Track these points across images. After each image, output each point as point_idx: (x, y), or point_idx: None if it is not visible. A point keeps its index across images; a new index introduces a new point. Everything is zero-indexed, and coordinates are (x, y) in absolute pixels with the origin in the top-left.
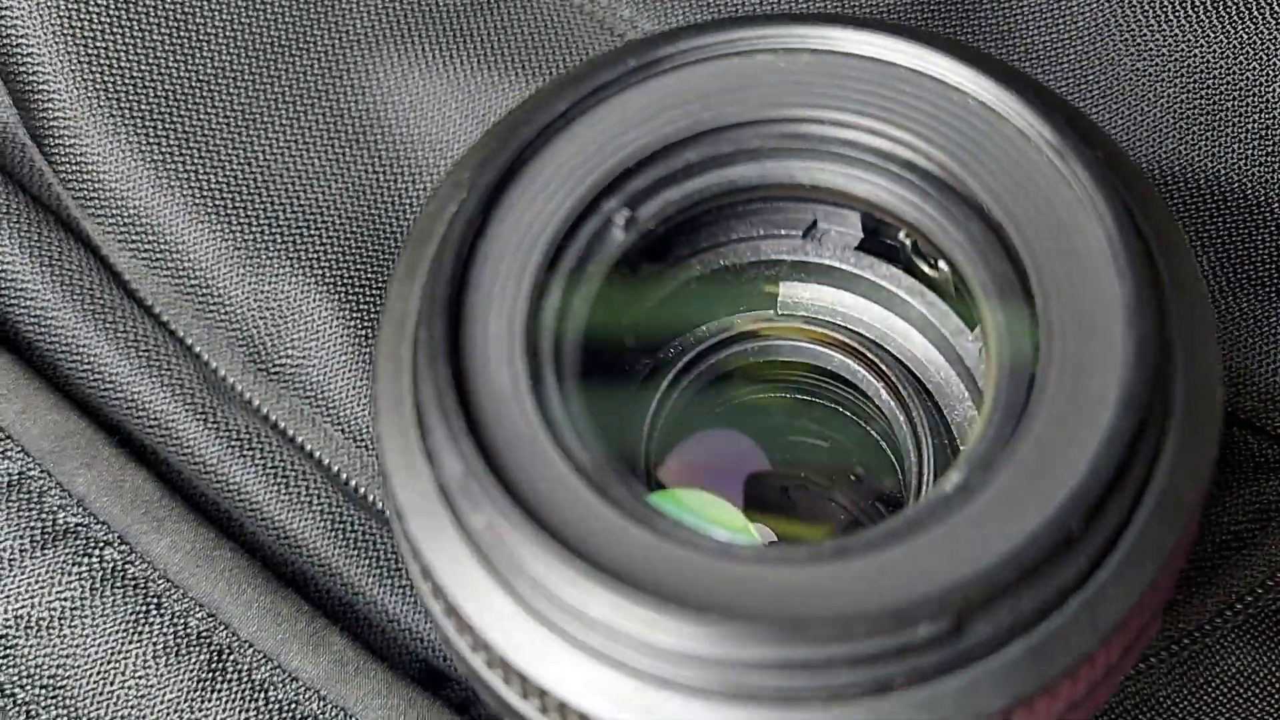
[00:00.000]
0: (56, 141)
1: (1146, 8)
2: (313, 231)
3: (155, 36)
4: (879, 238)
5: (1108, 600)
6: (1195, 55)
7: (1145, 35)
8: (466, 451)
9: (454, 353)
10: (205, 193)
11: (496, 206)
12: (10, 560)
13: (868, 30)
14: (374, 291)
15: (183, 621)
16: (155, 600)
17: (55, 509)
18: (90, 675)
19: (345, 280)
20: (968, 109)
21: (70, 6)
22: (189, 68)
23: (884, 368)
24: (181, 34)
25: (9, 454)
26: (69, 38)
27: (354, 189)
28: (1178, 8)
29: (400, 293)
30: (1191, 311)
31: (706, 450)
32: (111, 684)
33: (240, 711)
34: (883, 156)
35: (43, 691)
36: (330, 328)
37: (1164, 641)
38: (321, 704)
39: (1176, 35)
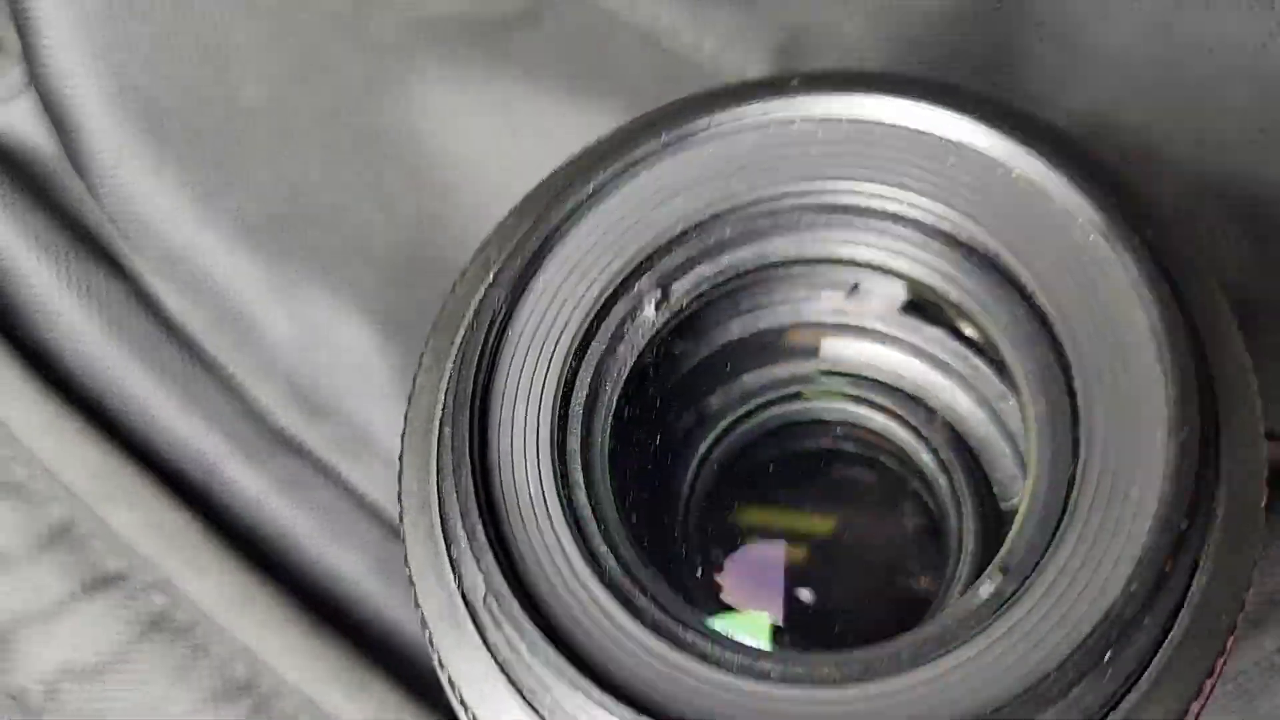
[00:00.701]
0: (99, 176)
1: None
2: (351, 260)
3: (193, 69)
4: (924, 300)
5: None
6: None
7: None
8: (488, 568)
9: (480, 454)
10: (245, 226)
11: (524, 293)
12: (60, 606)
13: (908, 99)
14: (413, 320)
15: (229, 667)
16: (201, 646)
17: (102, 554)
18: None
19: (384, 310)
20: (1012, 185)
21: (108, 39)
22: (226, 99)
23: (924, 427)
24: (218, 66)
25: (57, 498)
26: (108, 73)
27: (392, 214)
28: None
29: (426, 383)
30: (1238, 410)
31: (752, 564)
32: None
33: None
34: (924, 232)
35: None
36: (370, 359)
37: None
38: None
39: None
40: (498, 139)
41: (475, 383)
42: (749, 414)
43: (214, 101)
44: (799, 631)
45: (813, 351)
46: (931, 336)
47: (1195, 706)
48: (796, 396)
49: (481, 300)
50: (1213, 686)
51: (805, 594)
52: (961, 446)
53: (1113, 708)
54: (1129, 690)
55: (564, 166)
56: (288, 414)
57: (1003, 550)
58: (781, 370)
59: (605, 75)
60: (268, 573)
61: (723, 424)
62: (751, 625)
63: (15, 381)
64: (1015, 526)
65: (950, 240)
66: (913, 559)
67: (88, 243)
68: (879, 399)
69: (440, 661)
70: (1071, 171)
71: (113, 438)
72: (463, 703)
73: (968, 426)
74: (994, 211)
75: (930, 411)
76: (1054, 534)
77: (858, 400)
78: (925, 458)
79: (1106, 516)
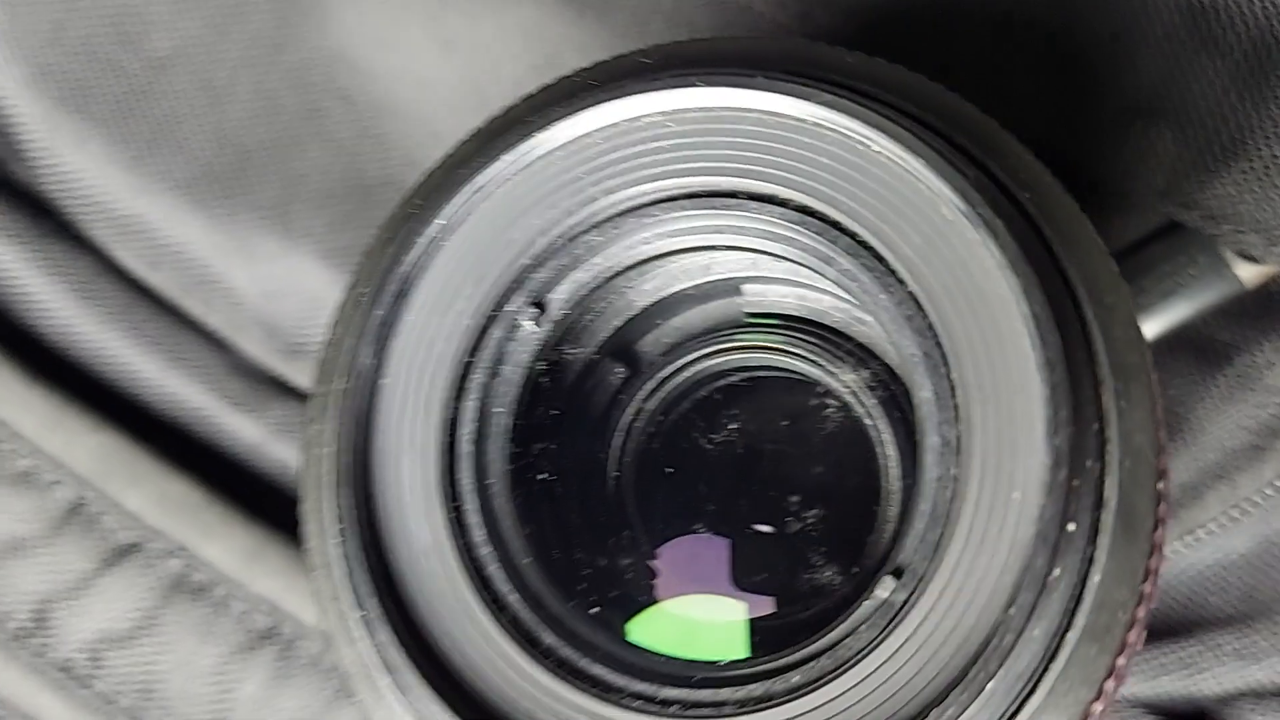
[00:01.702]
0: (35, 160)
1: None
2: (296, 203)
3: (104, 39)
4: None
5: None
6: None
7: None
8: (382, 644)
9: (369, 521)
10: (185, 188)
11: (389, 342)
12: (86, 581)
13: (756, 82)
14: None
15: (250, 619)
16: (222, 603)
17: (114, 529)
18: (177, 677)
19: (341, 248)
20: (875, 164)
21: (13, 26)
22: (142, 62)
23: (844, 367)
24: (128, 31)
25: (64, 482)
26: (18, 59)
27: (331, 142)
28: None
29: (314, 436)
30: (1129, 390)
31: (689, 553)
32: (197, 684)
33: (317, 692)
34: (791, 217)
35: (139, 696)
36: (332, 297)
37: (1225, 509)
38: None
39: None
40: (429, 49)
41: (355, 443)
42: (674, 373)
43: (129, 67)
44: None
45: (735, 294)
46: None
47: (1097, 707)
48: (724, 348)
49: (352, 357)
50: (1116, 687)
51: (726, 529)
52: (886, 386)
53: (1012, 716)
54: (1028, 696)
55: (419, 185)
56: (271, 360)
57: (894, 551)
58: (708, 320)
59: None
60: (275, 525)
61: (645, 390)
62: (679, 623)
63: (20, 390)
64: (907, 524)
65: (819, 221)
66: (836, 504)
67: (45, 220)
68: (806, 340)
69: (365, 716)
70: (930, 148)
71: (107, 416)
72: None
73: (889, 358)
74: (856, 191)
75: (858, 347)
76: (940, 536)
77: (781, 349)
78: (849, 399)
79: (991, 521)
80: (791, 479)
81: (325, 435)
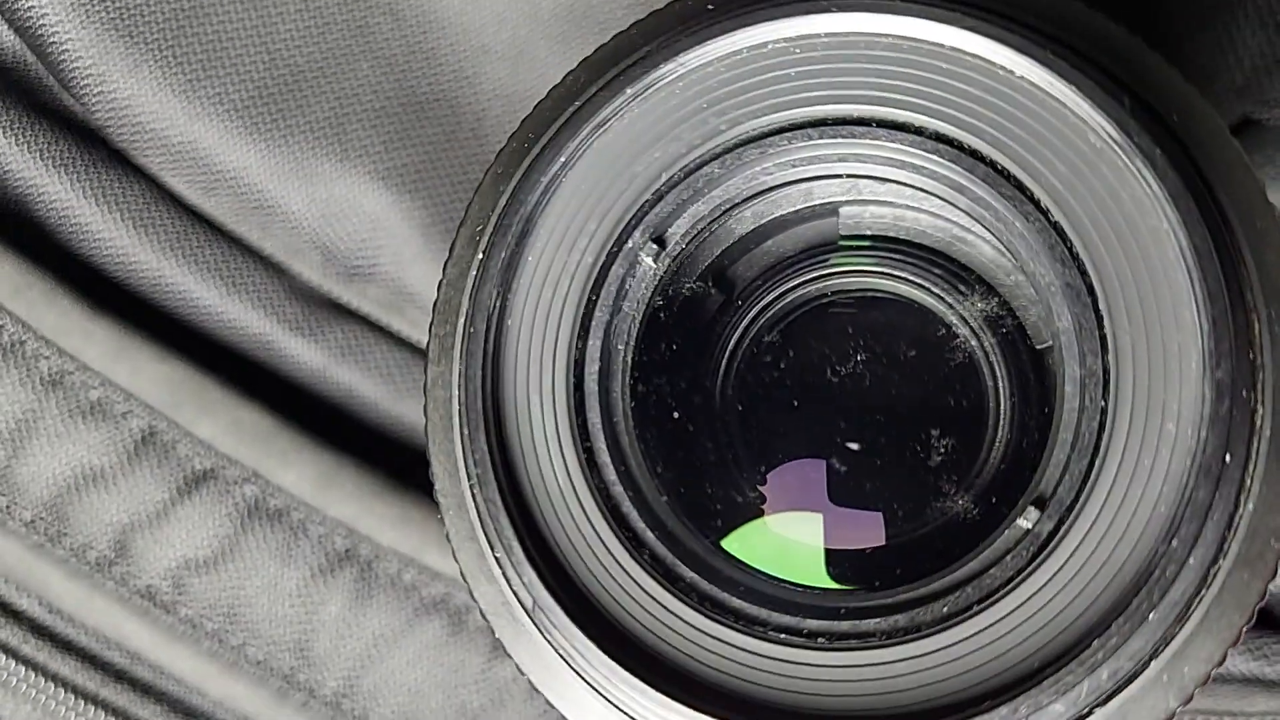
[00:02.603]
0: (84, 89)
1: None
2: (350, 122)
3: None
4: None
5: (1192, 657)
6: None
7: None
8: (530, 581)
9: (503, 460)
10: (239, 111)
11: (514, 281)
12: (164, 510)
13: (891, 6)
14: (424, 171)
15: (328, 542)
16: (299, 527)
17: (189, 456)
18: (260, 601)
19: (395, 167)
20: (1018, 91)
21: None
22: None
23: (950, 291)
24: None
25: (134, 412)
26: None
27: (381, 60)
28: None
29: (438, 377)
30: None
31: (797, 476)
32: (279, 606)
33: (398, 611)
34: (924, 144)
35: (225, 619)
36: (392, 219)
37: None
38: (483, 617)
39: None
40: None
41: (484, 387)
42: (774, 300)
43: None
44: (840, 533)
45: (832, 216)
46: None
47: (1245, 630)
48: (820, 276)
49: (474, 296)
50: (1257, 610)
51: (853, 456)
52: (990, 304)
53: (1164, 645)
54: (1184, 622)
55: (530, 117)
56: (329, 284)
57: (1035, 480)
58: (802, 239)
59: None
60: (345, 448)
61: (748, 317)
62: (797, 550)
63: (83, 321)
64: (1047, 453)
65: (953, 149)
66: (951, 435)
67: (97, 149)
68: (903, 262)
69: (505, 651)
70: (1079, 72)
71: (172, 345)
72: (536, 690)
73: (994, 276)
74: (997, 118)
75: (956, 266)
76: (1089, 467)
77: (882, 271)
78: (955, 321)
79: (1144, 452)
80: (896, 402)
81: (450, 377)
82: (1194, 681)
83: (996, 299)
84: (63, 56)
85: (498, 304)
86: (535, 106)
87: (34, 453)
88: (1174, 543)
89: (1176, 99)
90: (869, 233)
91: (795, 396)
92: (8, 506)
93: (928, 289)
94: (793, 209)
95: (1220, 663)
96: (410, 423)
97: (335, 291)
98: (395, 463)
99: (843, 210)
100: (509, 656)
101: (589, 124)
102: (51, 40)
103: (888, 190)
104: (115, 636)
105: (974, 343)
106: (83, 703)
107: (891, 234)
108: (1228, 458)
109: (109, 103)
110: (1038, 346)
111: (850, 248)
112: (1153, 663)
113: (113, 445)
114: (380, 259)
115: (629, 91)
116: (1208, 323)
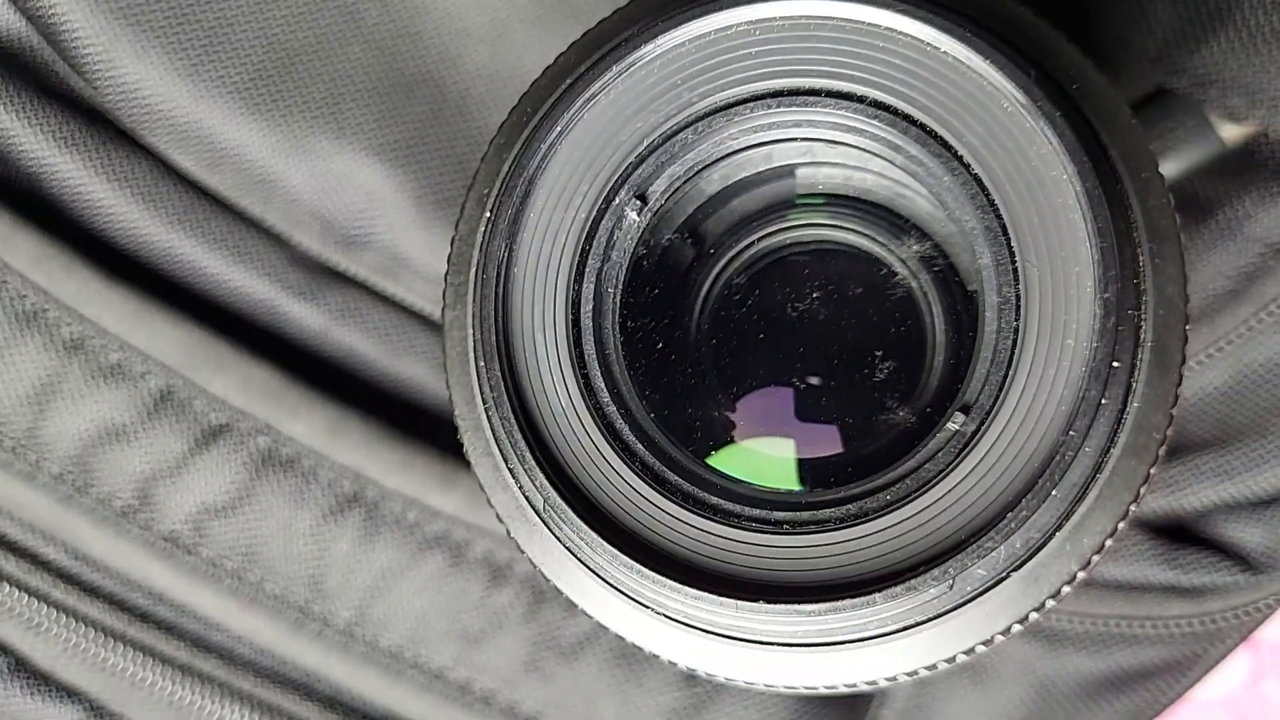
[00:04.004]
0: (94, 73)
1: None
2: (346, 103)
3: None
4: None
5: (1090, 529)
6: None
7: None
8: (541, 484)
9: (514, 385)
10: (240, 92)
11: (518, 233)
12: (183, 461)
13: None
14: (414, 146)
15: (337, 486)
16: (310, 473)
17: (205, 412)
18: (275, 542)
19: (387, 143)
20: (943, 64)
21: None
22: None
23: (892, 240)
24: None
25: (152, 372)
26: None
27: (371, 42)
28: None
29: (454, 319)
30: (1163, 252)
31: (764, 403)
32: (293, 546)
33: (403, 548)
34: (866, 110)
35: (243, 559)
36: (386, 191)
37: (1205, 347)
38: (468, 530)
39: None
40: None
41: (496, 325)
42: (739, 252)
43: None
44: (801, 445)
45: (789, 177)
46: (885, 165)
47: (1133, 508)
48: (779, 229)
49: (484, 248)
50: (1145, 491)
51: (813, 380)
52: (926, 249)
53: (1066, 519)
54: (1081, 500)
55: (527, 94)
56: (328, 252)
57: (961, 391)
58: (763, 198)
59: None
60: (348, 402)
61: (717, 266)
62: (767, 462)
63: (101, 289)
64: (971, 368)
65: (891, 114)
66: (894, 360)
67: (104, 128)
68: (853, 215)
69: (521, 549)
70: (993, 48)
71: (185, 311)
72: (547, 579)
73: (930, 226)
74: (927, 89)
75: (898, 219)
76: (1004, 378)
77: (834, 225)
78: (898, 267)
79: (1048, 363)
80: (847, 335)
81: (465, 319)
82: (1091, 549)
83: (931, 244)
84: (74, 43)
85: (505, 255)
86: (532, 84)
87: (59, 412)
88: (1071, 433)
89: (1075, 71)
90: (822, 190)
91: (761, 331)
92: (37, 461)
93: (873, 238)
94: (755, 170)
95: (1112, 534)
96: (407, 379)
97: (334, 259)
98: (395, 414)
99: (799, 171)
100: (523, 553)
101: (580, 98)
102: (62, 28)
103: (837, 153)
104: (140, 579)
105: (913, 283)
106: (111, 641)
107: (842, 191)
108: (1115, 364)
109: (118, 85)
110: (969, 289)
111: (806, 205)
112: (1056, 535)
113: (133, 403)
114: (375, 228)
115: (614, 69)
116: (1098, 254)
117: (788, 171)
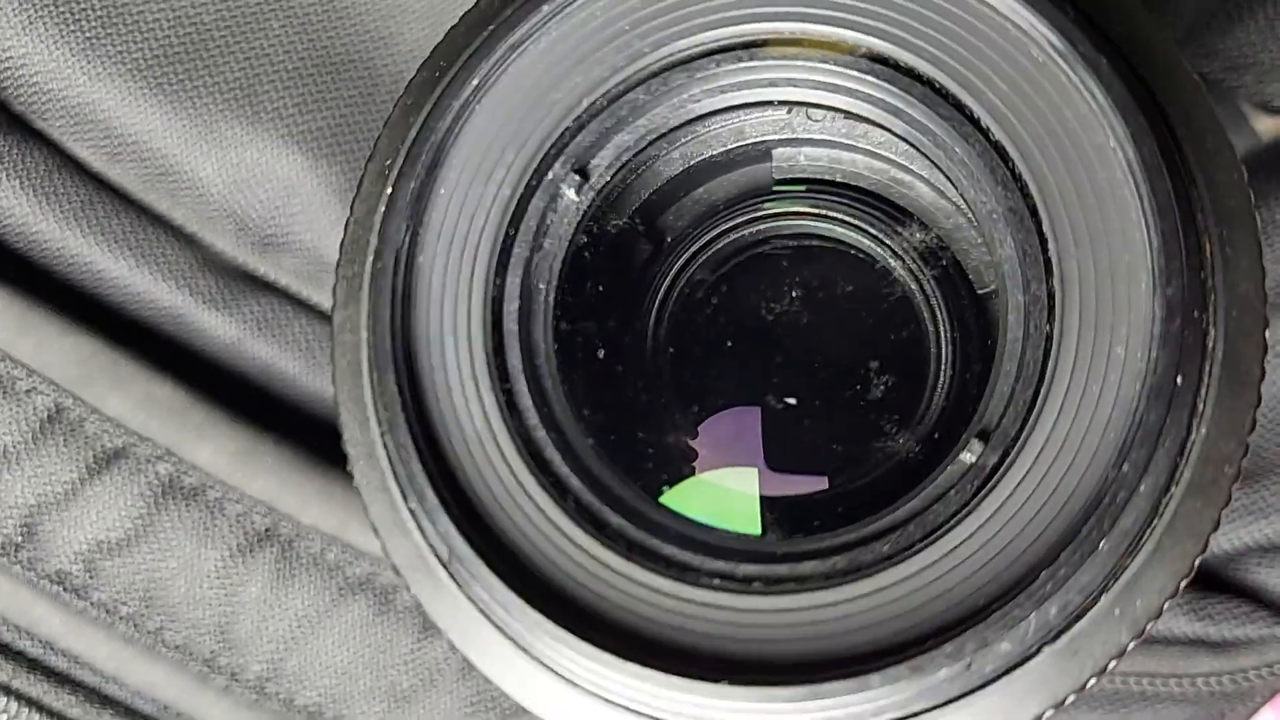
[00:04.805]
0: None
1: None
2: (261, 84)
3: None
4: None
5: (1145, 589)
6: None
7: None
8: (445, 530)
9: (415, 402)
10: (142, 71)
11: (425, 214)
12: (73, 490)
13: None
14: (340, 134)
15: (247, 520)
16: (216, 505)
17: (99, 434)
18: (178, 583)
19: (310, 130)
20: (954, 4)
21: None
22: None
23: (888, 233)
24: None
25: (39, 389)
26: None
27: (294, 20)
28: None
29: (345, 320)
30: (1235, 237)
31: (731, 425)
32: (199, 588)
33: (323, 592)
34: (858, 64)
35: (141, 603)
36: (307, 184)
37: None
38: (397, 573)
39: None
40: None
41: (393, 326)
42: (705, 245)
43: None
44: (777, 478)
45: (764, 160)
46: (883, 140)
47: (1198, 562)
48: (753, 219)
49: (380, 231)
50: (1202, 571)
51: (791, 399)
52: (929, 245)
53: (1115, 578)
54: (1133, 555)
55: (441, 45)
56: (243, 254)
57: (979, 413)
58: (734, 186)
59: None
60: (263, 425)
61: (679, 263)
62: (733, 500)
63: None
64: (990, 385)
65: (888, 69)
66: (891, 375)
67: None
68: (840, 204)
69: (421, 609)
70: None
71: (78, 319)
72: (453, 647)
73: (933, 219)
74: (935, 35)
75: (894, 209)
76: (1035, 396)
77: (818, 214)
78: (894, 264)
79: (1092, 377)
80: (833, 346)
81: (358, 319)
82: (1147, 615)
83: (934, 237)
84: None
85: (408, 238)
86: (447, 33)
87: None
88: (1125, 468)
89: (1121, 13)
90: (803, 175)
91: (729, 339)
92: None
93: (865, 230)
94: (723, 149)
95: (1175, 594)
96: (331, 399)
97: (250, 263)
98: (316, 439)
99: (776, 153)
100: (425, 614)
101: (503, 44)
102: None
103: (822, 127)
104: (26, 624)
105: (913, 285)
106: None
107: (827, 177)
108: (1179, 379)
109: (3, 62)
110: (979, 291)
111: (784, 194)
112: (1103, 596)
113: (16, 424)
114: (295, 227)
115: (546, 9)
116: (1157, 239)
117: (762, 152)
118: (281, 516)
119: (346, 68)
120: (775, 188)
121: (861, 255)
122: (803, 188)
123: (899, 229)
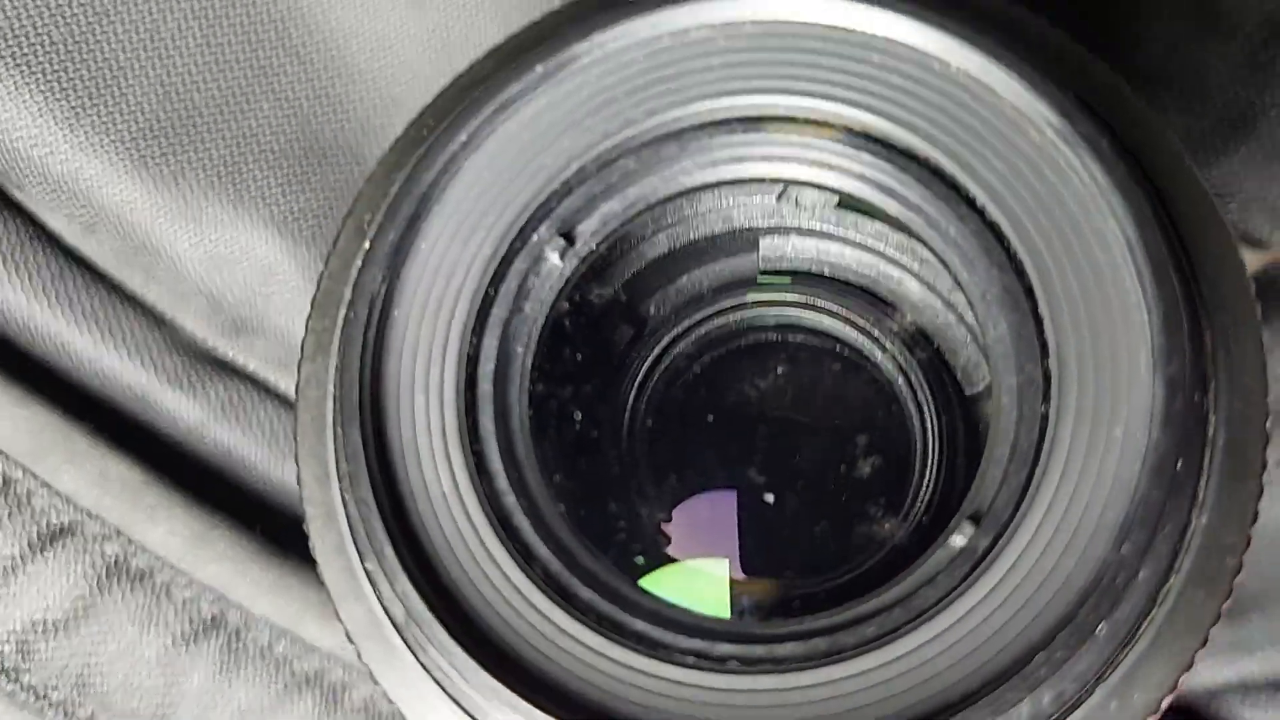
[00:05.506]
0: None
1: None
2: (246, 163)
3: None
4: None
5: (1143, 682)
6: None
7: None
8: (404, 592)
9: (380, 459)
10: (127, 145)
11: (404, 267)
12: (14, 566)
13: None
14: (323, 217)
15: (194, 607)
16: (164, 589)
17: (46, 509)
18: (116, 669)
19: (291, 213)
20: (952, 83)
21: None
22: (85, 8)
23: (875, 325)
24: None
25: None
26: None
27: (284, 103)
28: None
29: (312, 374)
30: (1235, 323)
31: (702, 511)
32: (137, 675)
33: (268, 685)
34: (852, 140)
35: (74, 689)
36: (285, 267)
37: None
38: (346, 671)
39: None
40: (393, 4)
41: (362, 378)
42: (687, 330)
43: (72, 13)
44: (756, 565)
45: (751, 250)
46: (873, 232)
47: (1198, 657)
48: (737, 306)
49: (356, 281)
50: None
51: (768, 497)
52: (916, 340)
53: (1112, 667)
54: (1131, 645)
55: (431, 105)
56: (214, 336)
57: (970, 496)
58: (719, 276)
59: None
60: (219, 509)
61: (659, 346)
62: (705, 585)
63: None
64: (982, 468)
65: (883, 148)
66: (876, 462)
67: None
68: (826, 296)
69: (373, 678)
70: (1021, 63)
71: (38, 390)
72: (401, 717)
73: (921, 316)
74: (931, 113)
75: (881, 304)
76: (1029, 478)
77: (803, 304)
78: (880, 357)
79: (1089, 459)
80: (814, 434)
81: (325, 374)
82: (1145, 709)
83: (921, 330)
84: None
85: (383, 289)
86: (437, 94)
87: None
88: (1124, 550)
89: (1116, 96)
90: (789, 268)
91: (709, 422)
92: None
93: (851, 321)
94: (709, 234)
95: (1173, 689)
96: (291, 487)
97: (220, 345)
98: (274, 528)
99: (763, 242)
100: (376, 683)
101: (493, 103)
102: None
103: (811, 215)
104: None
105: (898, 375)
106: None
107: (814, 270)
108: (1180, 462)
109: None
110: (968, 393)
111: (770, 285)
112: (1100, 686)
113: None
114: (269, 310)
115: (539, 71)
116: (1158, 317)
117: (749, 241)
118: (231, 604)
119: (334, 155)
120: (760, 278)
121: (847, 345)
122: (787, 280)
123: (885, 320)
